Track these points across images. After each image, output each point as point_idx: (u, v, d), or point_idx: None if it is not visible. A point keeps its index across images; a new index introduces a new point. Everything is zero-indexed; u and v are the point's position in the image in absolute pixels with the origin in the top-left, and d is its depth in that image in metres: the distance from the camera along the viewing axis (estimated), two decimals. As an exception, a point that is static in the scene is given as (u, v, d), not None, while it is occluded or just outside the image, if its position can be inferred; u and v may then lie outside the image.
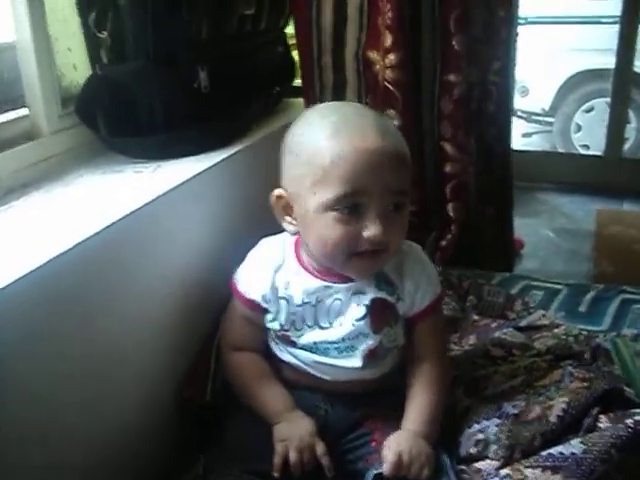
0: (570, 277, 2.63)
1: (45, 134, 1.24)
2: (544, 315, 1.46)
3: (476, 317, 1.42)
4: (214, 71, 1.34)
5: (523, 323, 1.41)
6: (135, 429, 1.07)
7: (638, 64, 3.63)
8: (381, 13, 1.38)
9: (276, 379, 1.09)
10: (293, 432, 1.00)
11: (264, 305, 1.07)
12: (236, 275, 1.10)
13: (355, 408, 1.07)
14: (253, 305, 1.08)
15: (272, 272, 1.06)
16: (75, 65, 1.36)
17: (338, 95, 1.53)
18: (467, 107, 1.53)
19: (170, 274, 1.15)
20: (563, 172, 3.71)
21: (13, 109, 1.24)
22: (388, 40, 1.39)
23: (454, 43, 1.45)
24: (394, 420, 1.04)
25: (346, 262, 0.98)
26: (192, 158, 1.29)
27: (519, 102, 4.30)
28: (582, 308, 1.53)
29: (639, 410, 1.04)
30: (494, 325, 1.37)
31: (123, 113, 1.30)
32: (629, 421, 0.99)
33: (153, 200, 1.09)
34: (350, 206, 0.94)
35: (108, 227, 0.98)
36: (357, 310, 1.03)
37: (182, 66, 1.29)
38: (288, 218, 1.03)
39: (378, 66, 1.44)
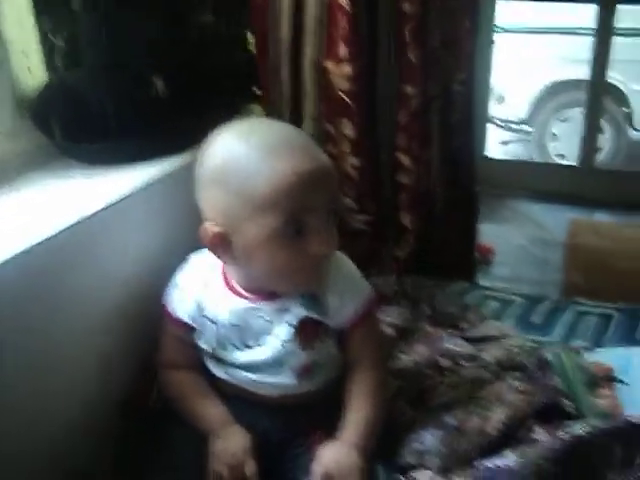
0: (540, 286, 2.69)
1: (-3, 138, 1.23)
2: (496, 326, 1.47)
3: (428, 327, 1.42)
4: (170, 77, 1.34)
5: (473, 334, 1.42)
6: (73, 430, 1.07)
7: (612, 75, 3.66)
8: (337, 24, 1.39)
9: (213, 395, 1.09)
10: (226, 448, 1.00)
11: (192, 324, 1.07)
12: (166, 293, 1.10)
13: (295, 421, 1.07)
14: (181, 324, 1.08)
15: (198, 291, 1.06)
16: (30, 69, 1.36)
17: (295, 105, 1.54)
18: (424, 119, 1.54)
19: (116, 281, 1.15)
20: (537, 181, 3.69)
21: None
22: (343, 51, 1.40)
23: (410, 55, 1.46)
24: (334, 430, 1.04)
25: (292, 280, 0.99)
26: (144, 165, 1.28)
27: (496, 110, 4.32)
28: (535, 319, 1.54)
29: (574, 423, 1.05)
30: (444, 335, 1.38)
31: (77, 118, 1.30)
32: (562, 434, 1.00)
33: (102, 209, 1.10)
34: (293, 228, 0.94)
35: (55, 235, 0.99)
36: (285, 330, 1.03)
37: (137, 73, 1.30)
38: (224, 252, 1.00)
39: (334, 76, 1.45)
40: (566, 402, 1.12)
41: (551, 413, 1.10)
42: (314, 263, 0.97)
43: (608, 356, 1.28)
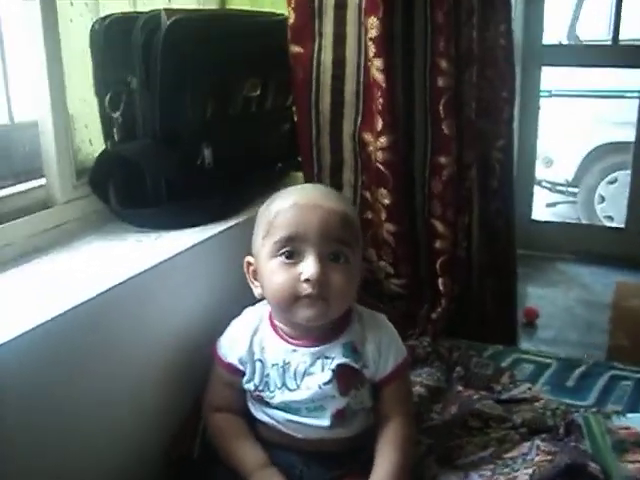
0: (585, 349, 2.69)
1: (59, 203, 1.34)
2: (529, 388, 1.49)
3: (460, 388, 1.46)
4: (218, 148, 1.44)
5: (505, 396, 1.44)
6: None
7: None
8: (374, 99, 1.47)
9: (253, 438, 1.15)
10: None
11: (241, 367, 1.15)
12: (218, 341, 1.19)
13: (330, 468, 1.12)
14: (231, 368, 1.16)
15: (249, 336, 1.15)
16: (91, 140, 1.48)
17: (335, 174, 1.62)
18: (459, 187, 1.60)
19: (164, 337, 1.23)
20: (584, 243, 3.73)
21: (32, 179, 1.34)
22: (379, 124, 1.48)
23: (443, 127, 1.54)
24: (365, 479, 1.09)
25: (291, 307, 1.07)
26: (193, 229, 1.37)
27: (543, 172, 4.39)
28: (570, 383, 1.55)
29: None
30: (476, 397, 1.41)
31: (131, 186, 1.41)
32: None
33: (149, 268, 1.18)
34: (289, 251, 1.06)
35: (103, 293, 1.07)
36: (323, 374, 1.10)
37: (186, 144, 1.39)
38: (255, 282, 1.16)
39: (372, 147, 1.53)
40: (593, 465, 1.14)
41: (577, 475, 1.12)
42: (309, 294, 1.05)
43: (638, 421, 1.29)
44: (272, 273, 1.08)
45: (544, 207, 4.66)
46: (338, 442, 1.13)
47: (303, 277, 1.05)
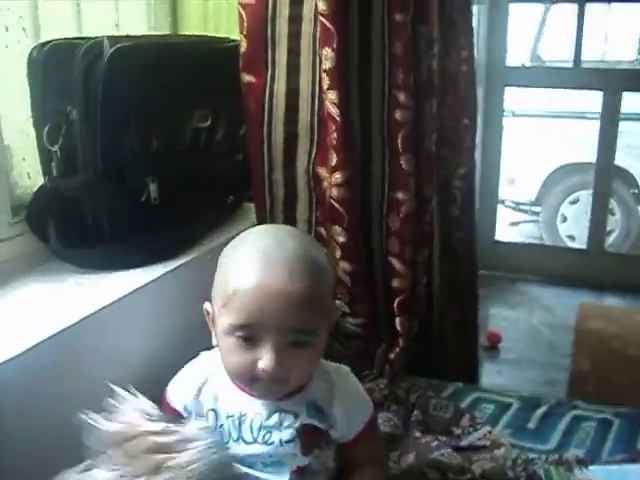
0: (548, 372, 2.66)
1: (-6, 241, 1.25)
2: (490, 432, 1.44)
3: (418, 434, 1.40)
4: (164, 183, 1.36)
5: (464, 442, 1.39)
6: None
7: (620, 157, 3.68)
8: (328, 133, 1.42)
9: None
10: None
11: (185, 415, 1.07)
12: (170, 384, 1.12)
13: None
14: (175, 414, 1.08)
15: (197, 385, 1.08)
16: (29, 174, 1.40)
17: (289, 210, 1.56)
18: (415, 223, 1.55)
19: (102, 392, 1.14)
20: (546, 264, 3.74)
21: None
22: (334, 159, 1.42)
23: (402, 162, 1.48)
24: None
25: (249, 385, 1.03)
26: (138, 270, 1.31)
27: (507, 192, 4.39)
28: (531, 424, 1.50)
29: None
30: (434, 444, 1.35)
31: (71, 224, 1.32)
32: None
33: (87, 316, 1.11)
34: (246, 337, 0.98)
35: (34, 346, 1.00)
36: (285, 432, 1.03)
37: (130, 179, 1.32)
38: (213, 332, 1.07)
39: (326, 183, 1.47)
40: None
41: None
42: (266, 379, 0.99)
43: (601, 474, 1.24)
44: (228, 351, 1.01)
45: (507, 226, 4.68)
46: None
47: (259, 366, 0.98)
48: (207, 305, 1.07)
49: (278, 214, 1.57)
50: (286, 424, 1.04)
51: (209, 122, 1.48)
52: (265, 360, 0.97)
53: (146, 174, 1.34)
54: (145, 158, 1.34)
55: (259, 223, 1.57)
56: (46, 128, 1.30)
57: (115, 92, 1.27)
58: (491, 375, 2.61)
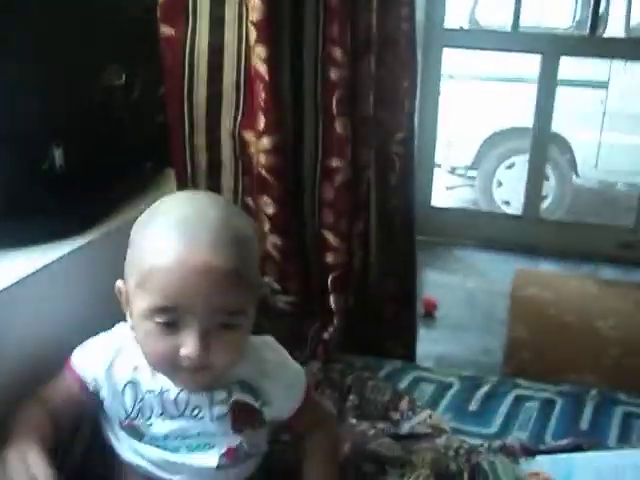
0: (485, 339, 2.62)
1: None
2: (430, 416, 1.37)
3: (354, 421, 1.31)
4: (71, 148, 1.21)
5: (405, 428, 1.32)
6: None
7: (557, 124, 3.65)
8: (255, 93, 1.28)
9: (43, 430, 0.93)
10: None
11: (91, 388, 0.97)
12: (76, 350, 1.01)
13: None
14: (78, 382, 0.98)
15: (112, 355, 0.98)
16: None
17: (212, 178, 1.42)
18: (351, 193, 1.43)
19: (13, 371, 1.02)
20: (482, 230, 3.71)
21: None
22: (262, 122, 1.30)
23: (336, 126, 1.36)
24: None
25: (170, 374, 0.93)
26: (39, 247, 1.16)
27: (443, 156, 4.34)
28: (473, 406, 1.44)
29: None
30: (372, 432, 1.26)
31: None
32: None
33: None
34: (166, 322, 0.87)
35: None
36: (217, 408, 0.96)
37: (28, 145, 1.16)
38: (128, 313, 0.95)
39: (253, 149, 1.34)
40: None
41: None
42: (189, 366, 0.89)
43: (548, 464, 1.18)
44: (146, 336, 0.90)
45: (443, 190, 4.67)
46: None
47: (182, 353, 0.87)
48: (119, 283, 0.95)
49: (201, 182, 1.43)
50: (218, 399, 0.96)
51: (123, 79, 1.33)
52: (188, 346, 0.86)
53: (48, 138, 1.19)
54: (48, 119, 1.18)
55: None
56: None
57: (5, 40, 1.09)
58: (427, 343, 2.52)
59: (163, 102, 1.46)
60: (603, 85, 4.32)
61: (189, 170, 1.42)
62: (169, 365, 0.90)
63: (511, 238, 3.59)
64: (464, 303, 3.10)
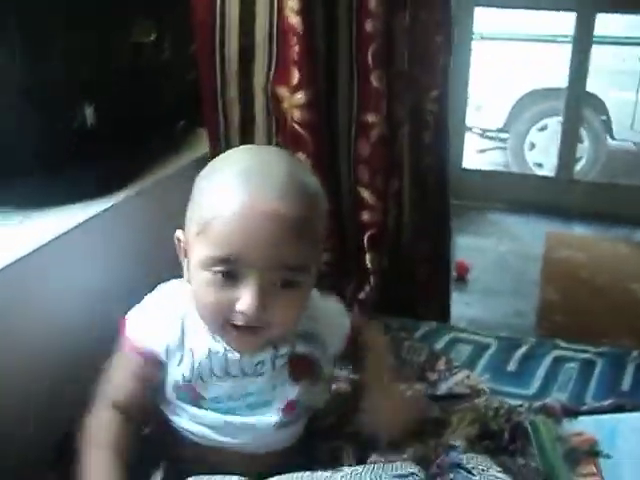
0: (516, 300, 2.67)
1: None
2: (468, 377, 1.34)
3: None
4: (102, 107, 1.20)
5: (442, 389, 1.29)
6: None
7: (591, 83, 3.62)
8: (289, 46, 1.25)
9: (125, 461, 0.90)
10: None
11: (163, 358, 0.93)
12: (130, 324, 0.95)
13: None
14: (150, 358, 0.93)
15: (179, 319, 0.93)
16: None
17: (246, 133, 1.39)
18: (387, 149, 1.40)
19: (50, 326, 1.05)
20: (514, 192, 3.70)
21: None
22: (295, 77, 1.26)
23: (372, 80, 1.32)
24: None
25: (221, 330, 0.89)
26: (71, 207, 1.16)
27: (473, 118, 4.30)
28: (511, 367, 1.42)
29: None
30: (409, 394, 1.24)
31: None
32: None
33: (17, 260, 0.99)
34: (226, 272, 0.83)
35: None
36: (278, 360, 0.93)
37: (60, 103, 1.15)
38: (184, 263, 0.92)
39: (287, 104, 1.31)
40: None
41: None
42: (243, 324, 0.85)
43: (592, 425, 1.15)
44: (202, 287, 0.86)
45: (474, 153, 4.60)
46: (276, 455, 0.97)
47: (238, 308, 0.84)
48: (179, 233, 0.92)
49: (234, 139, 1.40)
50: (281, 353, 0.93)
51: (153, 37, 1.30)
52: (245, 301, 0.83)
53: (78, 97, 1.19)
54: (78, 78, 1.18)
55: (213, 149, 1.41)
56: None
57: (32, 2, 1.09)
58: (460, 307, 2.53)
59: (195, 60, 1.43)
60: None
61: (221, 127, 1.39)
62: (222, 320, 0.87)
63: (543, 200, 3.56)
64: (496, 266, 3.09)
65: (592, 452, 1.09)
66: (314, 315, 0.97)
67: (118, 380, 0.95)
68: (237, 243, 0.81)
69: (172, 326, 0.93)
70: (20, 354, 0.99)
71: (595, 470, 1.06)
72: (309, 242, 0.86)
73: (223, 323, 0.87)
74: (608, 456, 1.08)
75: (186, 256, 0.90)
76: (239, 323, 0.85)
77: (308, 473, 0.90)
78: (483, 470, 0.97)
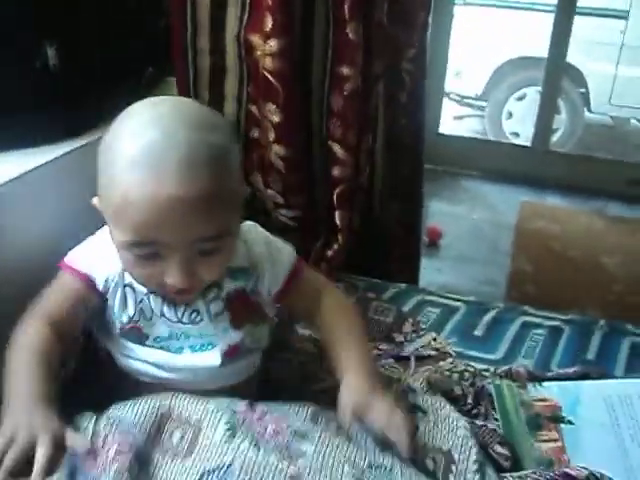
0: (489, 271, 2.65)
1: None
2: (434, 339, 1.35)
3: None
4: (66, 47, 1.16)
5: (409, 349, 1.30)
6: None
7: (571, 54, 3.57)
8: (262, -8, 1.20)
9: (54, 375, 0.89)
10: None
11: (99, 288, 0.94)
12: (73, 252, 0.97)
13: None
14: (88, 281, 0.94)
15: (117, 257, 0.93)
16: None
17: (215, 83, 1.36)
18: (361, 104, 1.37)
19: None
20: (490, 160, 3.69)
21: None
22: (269, 23, 1.22)
23: (348, 31, 1.28)
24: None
25: (159, 292, 0.93)
26: (31, 150, 1.14)
27: (452, 84, 4.28)
28: (478, 332, 1.42)
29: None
30: (374, 353, 1.23)
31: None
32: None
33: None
34: (145, 254, 0.85)
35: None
36: (213, 305, 0.96)
37: (21, 41, 1.12)
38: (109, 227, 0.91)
39: (259, 52, 1.27)
40: (499, 450, 0.99)
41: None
42: (176, 290, 0.88)
43: (555, 391, 1.15)
44: (127, 262, 0.89)
45: (451, 119, 4.60)
46: (225, 391, 0.97)
47: (167, 281, 0.86)
48: (96, 201, 0.91)
49: (203, 89, 1.37)
50: (211, 296, 0.95)
51: (122, -27, 1.26)
52: (172, 275, 0.85)
53: (41, 36, 1.15)
54: (39, 16, 1.13)
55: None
56: None
57: None
58: (431, 273, 2.54)
59: (168, 6, 1.38)
60: (623, 15, 4.19)
61: (191, 76, 1.35)
62: (156, 287, 0.90)
63: (519, 170, 3.56)
64: (469, 234, 3.09)
65: (555, 418, 1.09)
66: (248, 252, 0.99)
67: (54, 297, 0.95)
68: (151, 229, 0.82)
69: (113, 258, 0.92)
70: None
71: (557, 436, 1.07)
72: (221, 211, 0.86)
73: (157, 288, 0.91)
74: (570, 422, 1.09)
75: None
76: (172, 290, 0.88)
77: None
78: (437, 410, 1.00)
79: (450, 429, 0.96)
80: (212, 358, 0.96)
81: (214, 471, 0.82)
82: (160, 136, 0.82)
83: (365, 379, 0.93)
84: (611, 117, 4.70)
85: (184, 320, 0.95)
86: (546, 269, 2.70)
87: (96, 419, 0.85)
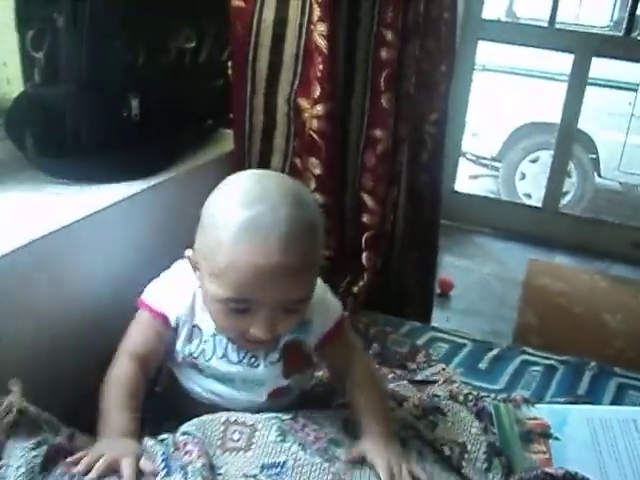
0: (495, 323, 2.74)
1: (-31, 146, 1.23)
2: (443, 369, 1.49)
3: (376, 366, 1.45)
4: (146, 100, 1.36)
5: (419, 377, 1.44)
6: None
7: (583, 122, 3.73)
8: (314, 64, 1.42)
9: (138, 408, 1.02)
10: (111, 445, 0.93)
11: (173, 325, 1.05)
12: (147, 291, 1.07)
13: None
14: (164, 320, 1.05)
15: (191, 292, 1.05)
16: (9, 79, 1.37)
17: (266, 137, 1.56)
18: (390, 162, 1.58)
19: (81, 298, 1.17)
20: (502, 218, 3.77)
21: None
22: (317, 91, 1.43)
23: (382, 101, 1.50)
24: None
25: (237, 341, 1.04)
26: (114, 185, 1.30)
27: (469, 145, 4.40)
28: (482, 365, 1.56)
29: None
30: (390, 376, 1.41)
31: (50, 133, 1.32)
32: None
33: (69, 224, 1.13)
34: (239, 308, 0.97)
35: (18, 249, 1.02)
36: (272, 354, 1.06)
37: (113, 92, 1.31)
38: (197, 275, 1.03)
39: (307, 114, 1.48)
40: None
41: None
42: (257, 342, 1.00)
43: (546, 412, 1.30)
44: (217, 312, 1.00)
45: (467, 178, 4.72)
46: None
47: (252, 332, 0.98)
48: (189, 253, 1.02)
49: (256, 142, 1.57)
50: (272, 346, 1.05)
51: (194, 43, 1.48)
52: (258, 328, 0.97)
53: (129, 89, 1.35)
54: (130, 73, 1.35)
55: (237, 148, 1.59)
56: (30, 33, 1.28)
57: (104, 2, 1.25)
58: (440, 322, 2.62)
59: (225, 67, 1.61)
60: (633, 87, 4.35)
61: (247, 130, 1.57)
62: (237, 335, 1.01)
63: (529, 229, 3.66)
64: (478, 287, 3.18)
65: (544, 434, 1.25)
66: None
67: (136, 334, 1.06)
68: (249, 289, 0.94)
69: (184, 296, 1.05)
70: (55, 318, 1.11)
71: (545, 449, 1.22)
72: (310, 276, 0.99)
73: (236, 335, 1.02)
74: (557, 439, 1.24)
75: (198, 271, 1.01)
76: (253, 340, 0.99)
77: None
78: (455, 413, 1.18)
79: (465, 427, 1.16)
80: (258, 396, 1.07)
81: (272, 467, 0.95)
82: (267, 211, 0.93)
83: (385, 443, 1.03)
84: (620, 183, 4.80)
85: (243, 362, 1.05)
86: (551, 323, 2.80)
87: (173, 436, 0.98)
